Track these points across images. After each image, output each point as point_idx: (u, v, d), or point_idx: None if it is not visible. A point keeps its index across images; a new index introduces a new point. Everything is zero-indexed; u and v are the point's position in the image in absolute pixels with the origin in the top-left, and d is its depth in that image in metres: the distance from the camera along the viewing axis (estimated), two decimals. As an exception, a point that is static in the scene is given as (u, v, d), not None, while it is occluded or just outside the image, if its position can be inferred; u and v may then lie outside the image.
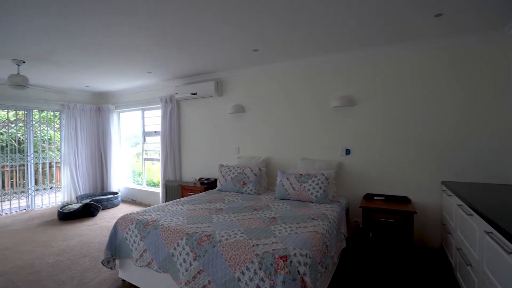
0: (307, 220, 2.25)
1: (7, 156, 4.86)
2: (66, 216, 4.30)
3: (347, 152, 3.34)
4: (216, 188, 3.71)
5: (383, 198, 3.00)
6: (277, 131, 3.82)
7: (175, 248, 1.95)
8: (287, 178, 3.11)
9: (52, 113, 5.45)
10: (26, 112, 5.07)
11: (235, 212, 2.52)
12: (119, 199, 5.37)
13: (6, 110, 4.86)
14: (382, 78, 3.11)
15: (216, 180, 4.21)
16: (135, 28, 2.56)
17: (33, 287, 2.39)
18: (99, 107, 5.90)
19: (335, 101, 3.30)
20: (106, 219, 4.36)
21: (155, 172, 5.91)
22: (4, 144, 4.94)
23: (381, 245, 2.67)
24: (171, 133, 4.79)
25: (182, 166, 4.84)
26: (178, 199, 3.06)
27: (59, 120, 5.53)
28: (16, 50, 3.12)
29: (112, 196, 5.25)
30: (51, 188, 5.44)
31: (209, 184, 4.12)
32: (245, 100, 4.09)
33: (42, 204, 5.22)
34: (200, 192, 3.90)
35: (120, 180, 5.89)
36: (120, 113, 6.02)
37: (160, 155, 4.93)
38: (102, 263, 2.34)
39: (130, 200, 5.67)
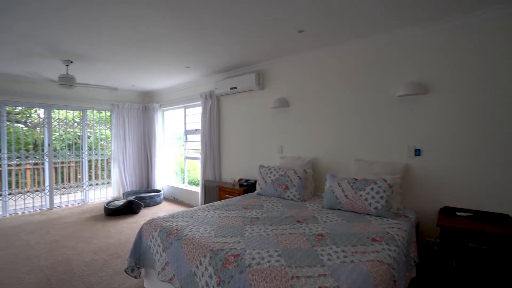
0: (366, 241, 1.71)
1: (65, 153, 5.21)
2: (111, 212, 4.39)
3: (417, 152, 2.65)
4: (255, 192, 3.33)
5: (470, 214, 2.26)
6: (326, 127, 3.28)
7: (197, 267, 1.61)
8: (339, 184, 2.58)
9: (103, 113, 5.72)
10: (81, 112, 5.38)
11: (273, 223, 2.10)
12: (162, 197, 5.38)
13: (65, 111, 5.21)
14: (468, 57, 2.36)
15: (256, 182, 3.84)
16: (170, 18, 2.33)
17: (64, 287, 2.31)
18: (145, 106, 6.03)
19: (400, 88, 2.64)
20: (147, 217, 4.33)
21: (199, 171, 5.82)
22: (71, 142, 5.31)
23: (470, 279, 1.98)
24: (211, 130, 4.57)
25: (221, 166, 4.59)
26: (211, 203, 2.76)
27: (110, 119, 5.78)
28: (64, 50, 3.19)
29: (155, 194, 5.28)
30: (102, 183, 5.71)
31: (248, 186, 3.77)
32: (289, 92, 3.63)
33: (94, 199, 5.50)
34: (238, 195, 3.57)
35: (163, 178, 5.93)
36: (164, 112, 6.07)
37: (200, 154, 4.76)
38: (125, 271, 2.13)
39: (172, 198, 5.65)
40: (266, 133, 3.91)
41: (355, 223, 2.09)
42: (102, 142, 5.74)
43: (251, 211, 2.46)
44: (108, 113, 5.77)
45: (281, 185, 3.03)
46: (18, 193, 4.71)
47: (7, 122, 4.78)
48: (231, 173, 4.40)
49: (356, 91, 3.02)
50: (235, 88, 4.05)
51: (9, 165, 4.60)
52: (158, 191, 5.58)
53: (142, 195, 5.22)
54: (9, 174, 4.66)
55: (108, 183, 5.79)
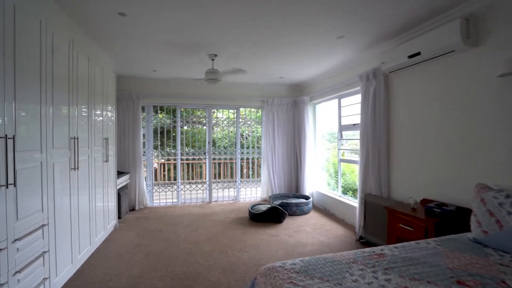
0: None
1: (221, 150, 5.47)
2: (254, 216, 4.00)
3: None
4: (470, 235, 1.73)
5: None
6: None
7: None
8: None
9: (254, 110, 5.62)
10: (235, 110, 5.48)
11: None
12: (310, 205, 4.54)
13: (222, 110, 5.46)
14: None
15: (461, 210, 2.16)
16: None
17: (181, 316, 1.87)
18: (295, 100, 5.42)
19: None
20: (289, 231, 3.59)
21: (357, 178, 4.58)
22: (234, 141, 5.56)
23: None
24: (375, 124, 3.22)
25: (391, 175, 3.13)
26: (379, 249, 1.53)
27: (260, 116, 5.61)
28: (210, 43, 3.00)
29: (303, 201, 4.51)
30: (253, 182, 5.60)
31: (443, 217, 2.17)
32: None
33: (245, 197, 5.46)
34: (425, 229, 2.08)
35: (313, 182, 5.09)
36: (316, 105, 5.22)
37: (359, 157, 3.51)
38: None
39: (323, 208, 4.69)
40: (483, 124, 2.14)
41: None
42: (254, 140, 5.66)
43: (482, 298, 1.05)
44: (259, 111, 5.62)
45: (548, 236, 1.33)
46: (189, 183, 5.32)
47: (198, 125, 5.51)
48: (408, 189, 2.87)
49: None
50: (418, 54, 2.52)
51: (182, 160, 5.26)
52: (306, 197, 4.80)
53: (288, 200, 4.60)
54: (184, 168, 5.37)
55: (258, 181, 5.64)
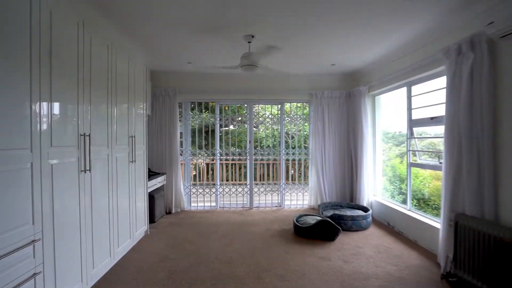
0: None
1: (264, 151, 4.90)
2: (300, 230, 3.33)
3: None
4: None
5: None
6: None
7: None
8: None
9: (300, 105, 4.93)
10: (279, 105, 4.87)
11: None
12: (370, 219, 3.67)
13: (264, 105, 4.90)
14: None
15: None
16: None
17: None
18: (349, 92, 4.56)
19: None
20: (344, 253, 2.83)
21: (430, 182, 3.63)
22: (279, 140, 4.95)
23: None
24: (472, 116, 2.28)
25: (500, 190, 2.16)
26: None
27: (308, 112, 4.90)
28: (244, 23, 2.45)
29: (360, 213, 3.69)
30: (299, 185, 4.90)
31: None
32: None
33: (290, 204, 4.81)
34: None
35: (372, 191, 4.19)
36: (375, 97, 4.30)
37: (444, 160, 2.58)
38: None
39: (386, 223, 3.77)
40: None
41: None
42: (300, 140, 4.97)
43: None
44: (307, 106, 4.91)
45: None
46: (228, 185, 4.86)
47: (243, 124, 5.04)
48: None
49: None
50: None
51: (221, 160, 4.84)
52: (365, 209, 3.94)
53: (342, 212, 3.82)
54: (224, 169, 4.95)
55: (305, 185, 4.92)
